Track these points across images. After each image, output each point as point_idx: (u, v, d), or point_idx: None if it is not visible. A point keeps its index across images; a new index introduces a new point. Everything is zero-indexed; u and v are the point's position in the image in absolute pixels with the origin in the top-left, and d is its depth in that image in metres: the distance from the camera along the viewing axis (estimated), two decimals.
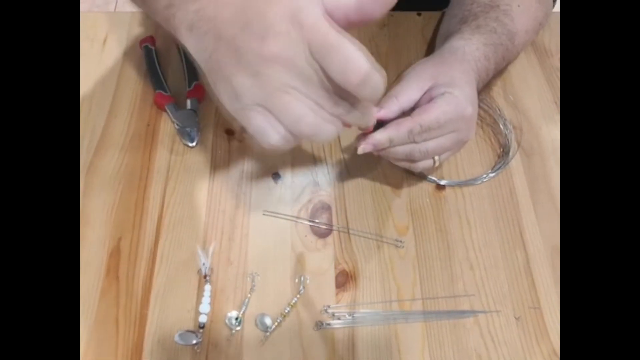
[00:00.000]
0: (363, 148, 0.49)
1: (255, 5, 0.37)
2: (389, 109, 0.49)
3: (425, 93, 0.51)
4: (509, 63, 0.64)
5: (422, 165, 0.52)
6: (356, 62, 0.36)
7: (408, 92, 0.50)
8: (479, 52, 0.56)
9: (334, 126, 0.39)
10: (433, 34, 0.71)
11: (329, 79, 0.37)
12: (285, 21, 0.35)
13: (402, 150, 0.50)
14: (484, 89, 0.66)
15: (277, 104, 0.38)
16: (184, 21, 0.40)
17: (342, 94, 0.38)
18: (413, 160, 0.51)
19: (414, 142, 0.49)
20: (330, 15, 0.36)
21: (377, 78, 0.37)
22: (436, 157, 0.52)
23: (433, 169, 0.57)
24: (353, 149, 0.58)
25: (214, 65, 0.39)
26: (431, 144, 0.50)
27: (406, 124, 0.48)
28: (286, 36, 0.36)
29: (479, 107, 0.64)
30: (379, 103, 0.49)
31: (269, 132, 0.39)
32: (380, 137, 0.48)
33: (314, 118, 0.38)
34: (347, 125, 0.41)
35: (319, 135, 0.39)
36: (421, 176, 0.59)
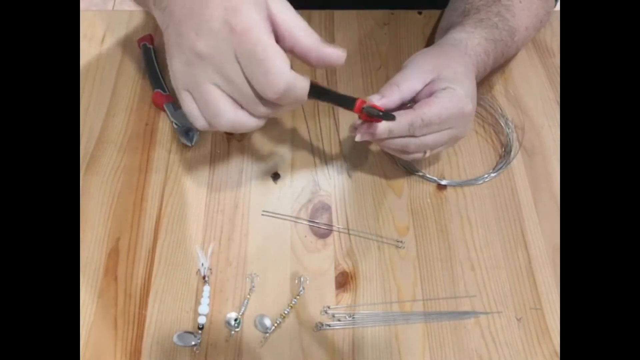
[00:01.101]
0: (361, 137, 0.49)
1: None
2: (390, 98, 0.49)
3: (426, 85, 0.50)
4: (507, 60, 0.64)
5: (412, 156, 0.52)
6: (275, 78, 0.37)
7: (410, 82, 0.50)
8: (480, 47, 0.56)
9: (255, 120, 0.41)
10: (433, 33, 0.70)
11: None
12: (219, 21, 0.37)
13: (399, 141, 0.50)
14: (484, 87, 0.65)
15: (201, 96, 0.40)
16: None
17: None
18: (407, 152, 0.51)
19: (413, 135, 0.49)
20: (285, 40, 0.39)
21: (298, 91, 0.39)
22: (428, 150, 0.52)
23: (422, 160, 0.58)
24: (351, 139, 0.57)
25: (165, 41, 0.41)
26: (429, 139, 0.50)
27: (407, 117, 0.48)
28: (216, 37, 0.37)
29: (481, 105, 0.64)
30: (380, 91, 0.49)
31: (196, 117, 0.42)
32: (380, 127, 0.48)
33: (233, 115, 0.40)
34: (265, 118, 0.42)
35: (238, 129, 0.41)
36: (407, 167, 0.58)
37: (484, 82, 0.66)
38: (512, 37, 0.60)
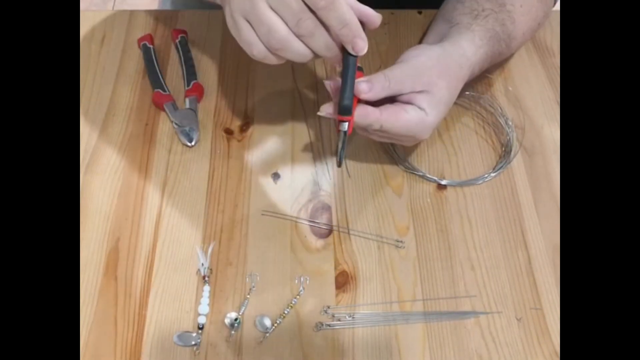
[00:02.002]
0: (325, 114, 0.51)
1: None
2: (376, 93, 0.50)
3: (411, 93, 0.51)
4: (502, 59, 0.64)
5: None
6: None
7: (401, 84, 0.51)
8: (478, 65, 0.57)
9: (304, 46, 0.45)
10: None
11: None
12: None
13: (360, 130, 0.52)
14: (484, 86, 0.65)
15: (256, 15, 0.44)
16: None
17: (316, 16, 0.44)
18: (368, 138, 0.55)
19: (366, 130, 0.52)
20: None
21: (343, 9, 0.43)
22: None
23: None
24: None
25: None
26: (375, 136, 0.53)
27: (369, 118, 0.50)
28: None
29: (481, 105, 0.64)
30: (371, 79, 0.50)
31: (254, 43, 0.45)
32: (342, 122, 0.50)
33: (284, 32, 0.44)
34: (315, 51, 0.46)
35: (287, 49, 0.45)
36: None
37: (483, 81, 0.66)
38: (509, 46, 0.61)
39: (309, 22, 0.44)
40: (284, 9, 0.43)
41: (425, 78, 0.51)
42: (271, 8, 0.44)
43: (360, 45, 0.46)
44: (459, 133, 0.62)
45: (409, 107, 0.51)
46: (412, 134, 0.52)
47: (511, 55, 0.68)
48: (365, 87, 0.49)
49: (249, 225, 0.55)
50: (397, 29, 0.71)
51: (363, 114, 0.50)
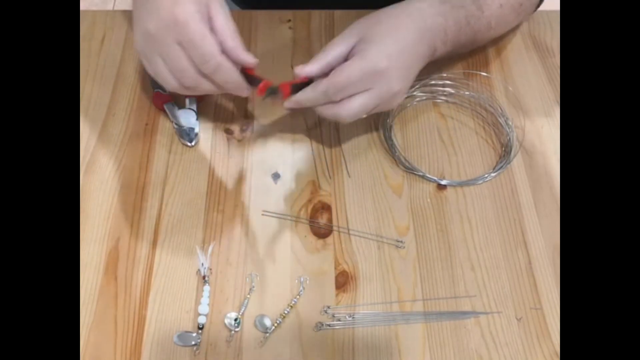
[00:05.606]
0: (287, 105, 0.54)
1: None
2: (312, 66, 0.52)
3: (352, 48, 0.53)
4: (479, 33, 0.61)
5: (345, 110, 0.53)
6: (208, 58, 0.48)
7: (336, 48, 0.53)
8: (431, 10, 0.56)
9: (212, 85, 0.50)
10: None
11: None
12: (166, 9, 0.47)
13: (327, 111, 0.53)
14: (484, 87, 0.65)
15: (150, 64, 0.51)
16: None
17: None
18: (341, 119, 0.54)
19: (333, 101, 0.52)
20: (215, 36, 0.48)
21: (227, 71, 0.49)
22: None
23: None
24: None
25: (134, 7, 0.51)
26: (355, 105, 0.52)
27: (322, 85, 0.52)
28: (161, 21, 0.47)
29: (481, 105, 0.64)
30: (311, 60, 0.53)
31: (167, 79, 0.51)
32: (300, 97, 0.53)
33: (194, 73, 0.49)
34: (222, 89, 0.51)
35: (197, 88, 0.51)
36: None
37: (483, 81, 0.66)
38: (481, 10, 0.59)
39: (212, 63, 0.49)
40: (172, 68, 0.49)
41: (356, 30, 0.53)
42: (161, 58, 0.49)
43: (245, 95, 0.52)
44: (459, 133, 0.62)
45: (348, 59, 0.52)
46: (368, 71, 0.51)
47: (510, 48, 0.68)
48: (302, 65, 0.52)
49: (249, 225, 0.55)
50: None
51: (313, 88, 0.52)
